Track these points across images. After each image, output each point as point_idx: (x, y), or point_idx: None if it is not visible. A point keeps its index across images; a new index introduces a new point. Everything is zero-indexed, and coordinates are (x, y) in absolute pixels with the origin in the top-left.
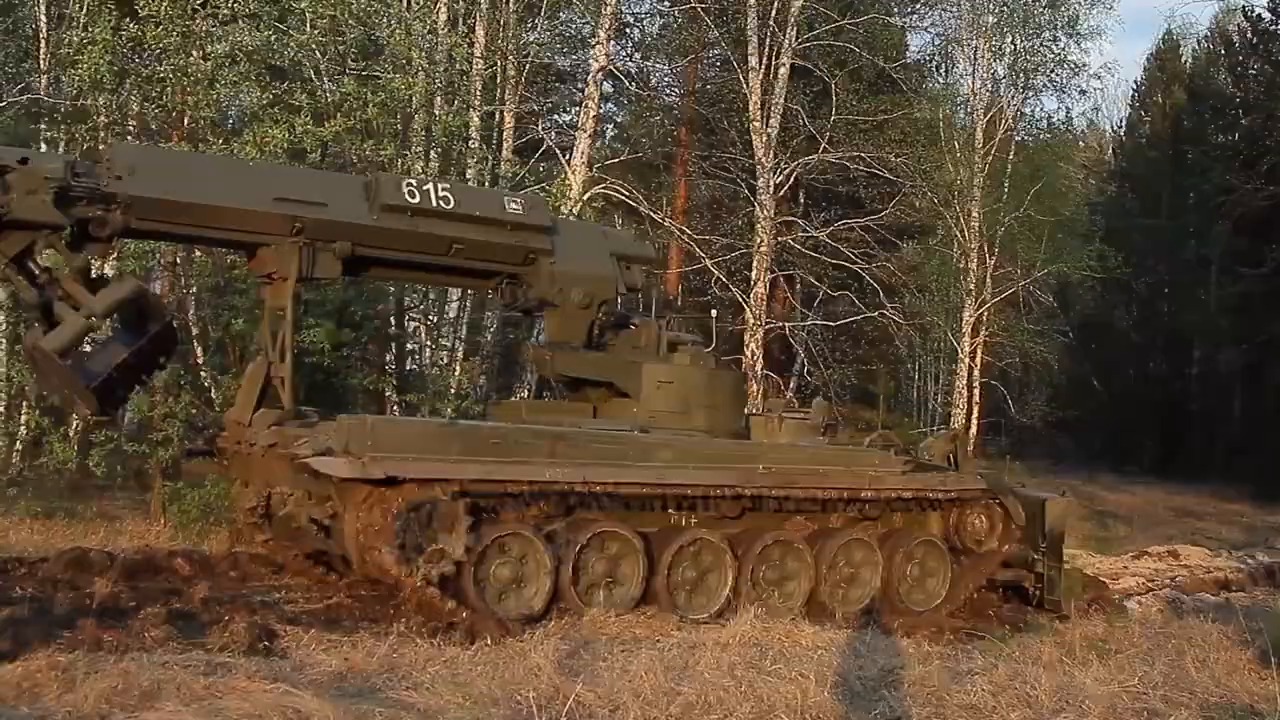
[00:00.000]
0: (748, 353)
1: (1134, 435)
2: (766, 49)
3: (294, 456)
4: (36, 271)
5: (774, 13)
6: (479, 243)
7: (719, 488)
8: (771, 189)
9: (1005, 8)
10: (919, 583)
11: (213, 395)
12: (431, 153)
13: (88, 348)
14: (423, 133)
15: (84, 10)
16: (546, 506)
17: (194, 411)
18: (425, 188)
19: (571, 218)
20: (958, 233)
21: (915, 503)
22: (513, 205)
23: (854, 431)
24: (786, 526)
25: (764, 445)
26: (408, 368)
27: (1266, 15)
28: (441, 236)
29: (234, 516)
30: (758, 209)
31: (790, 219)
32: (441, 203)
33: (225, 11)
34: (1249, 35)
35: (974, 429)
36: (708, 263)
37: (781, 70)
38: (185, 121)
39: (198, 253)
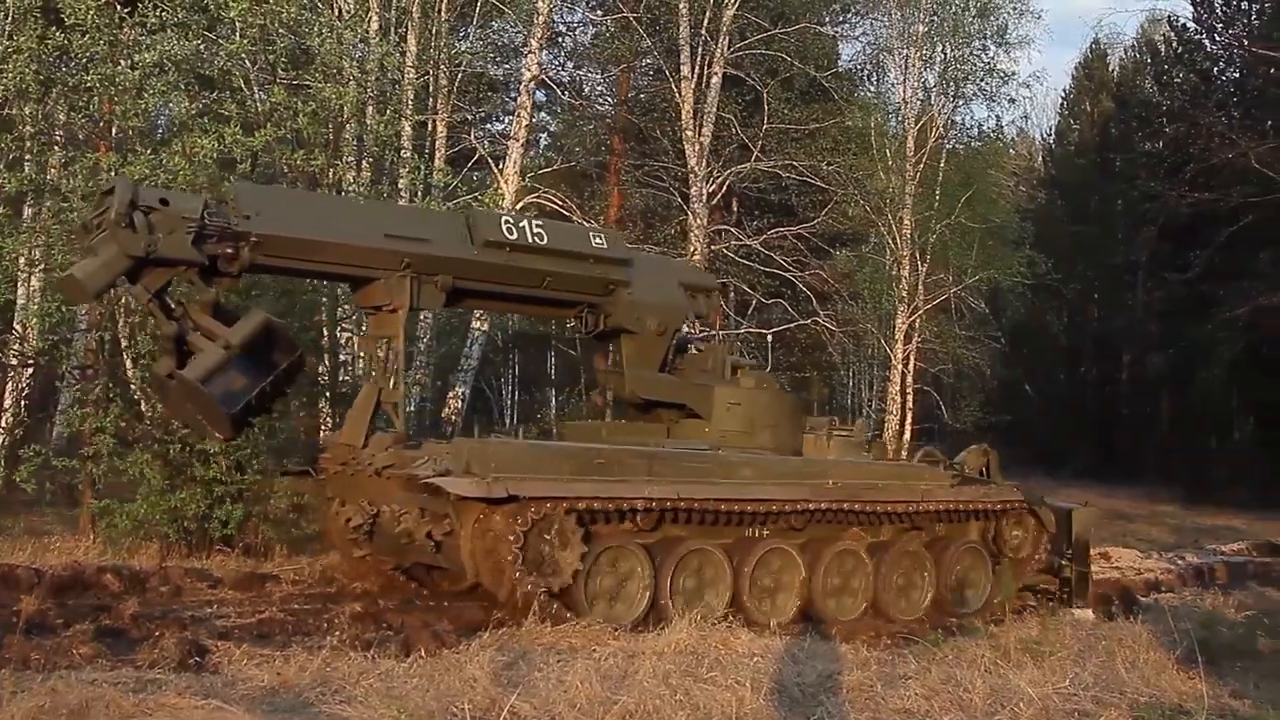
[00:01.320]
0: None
1: (1066, 439)
2: (699, 58)
3: (414, 477)
4: (172, 305)
5: (706, 22)
6: (568, 275)
7: (794, 502)
8: (704, 197)
9: (935, 17)
10: (965, 587)
11: (143, 408)
12: (364, 163)
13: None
14: (354, 142)
15: (8, 18)
16: (642, 522)
17: (122, 424)
18: (521, 224)
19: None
20: (890, 240)
21: (959, 514)
22: (597, 240)
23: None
24: (845, 538)
25: (829, 462)
26: (341, 379)
27: (1191, 25)
28: (536, 270)
29: (325, 531)
30: (691, 217)
31: (723, 227)
32: (536, 238)
33: (153, 20)
34: (1174, 44)
35: (907, 435)
36: None
37: (714, 79)
38: (113, 131)
39: None
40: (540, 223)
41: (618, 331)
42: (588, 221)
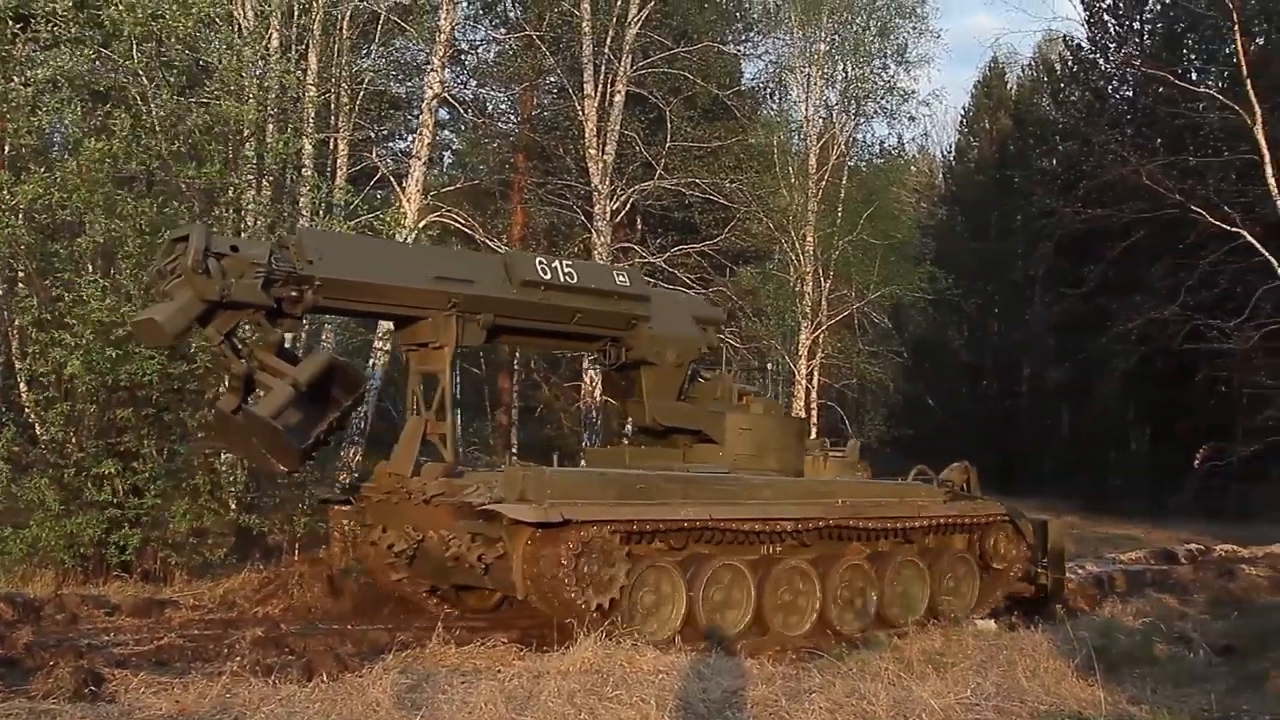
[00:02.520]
0: (587, 379)
1: (969, 452)
2: (602, 76)
3: (469, 504)
4: (239, 346)
5: (609, 40)
6: (595, 311)
7: (810, 520)
8: (608, 215)
9: (836, 36)
10: (955, 595)
11: (37, 431)
12: (264, 181)
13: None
14: (254, 160)
15: None
16: (674, 541)
17: (15, 449)
18: (554, 265)
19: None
20: (793, 257)
21: (948, 527)
22: (620, 278)
23: None
24: (848, 552)
25: (838, 483)
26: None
27: (1086, 44)
28: (567, 307)
29: (361, 556)
30: (594, 235)
31: (627, 245)
32: (567, 277)
33: (46, 36)
34: (1070, 63)
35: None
36: None
37: (617, 97)
38: (5, 149)
39: (20, 286)
40: (570, 263)
41: (638, 363)
42: (490, 240)
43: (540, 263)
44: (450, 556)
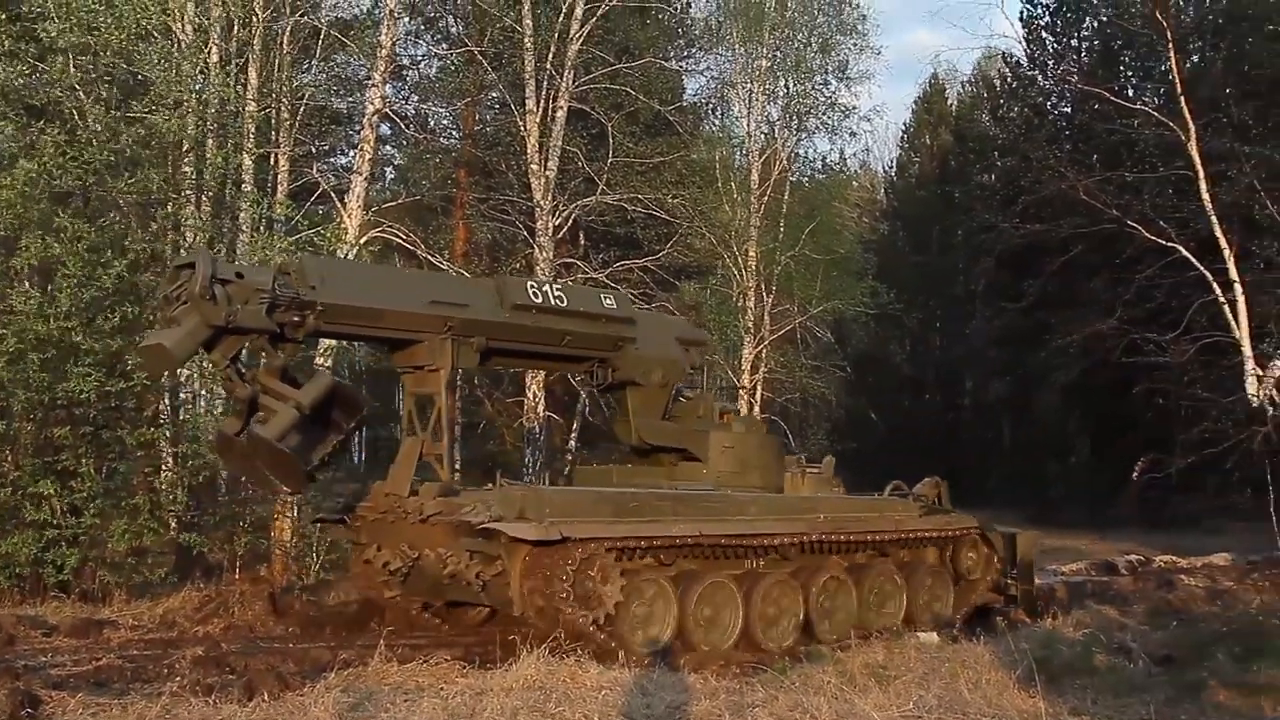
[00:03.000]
0: (529, 394)
1: (911, 465)
2: (544, 92)
3: (467, 523)
4: (243, 371)
5: (551, 56)
6: (584, 334)
7: (794, 535)
8: (550, 231)
9: (778, 52)
10: (930, 604)
11: None
12: (203, 196)
13: None
14: (193, 175)
15: None
16: (664, 557)
17: None
18: (544, 288)
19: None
20: (736, 272)
21: (922, 540)
22: (607, 301)
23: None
24: (828, 566)
25: (819, 499)
26: (181, 418)
27: (1024, 61)
28: (557, 330)
29: (364, 574)
30: (537, 251)
31: (570, 260)
32: (557, 301)
33: None
34: (1009, 80)
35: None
36: None
37: (559, 113)
38: None
39: None
40: (559, 287)
41: (624, 384)
42: (432, 255)
43: (531, 286)
44: (447, 574)
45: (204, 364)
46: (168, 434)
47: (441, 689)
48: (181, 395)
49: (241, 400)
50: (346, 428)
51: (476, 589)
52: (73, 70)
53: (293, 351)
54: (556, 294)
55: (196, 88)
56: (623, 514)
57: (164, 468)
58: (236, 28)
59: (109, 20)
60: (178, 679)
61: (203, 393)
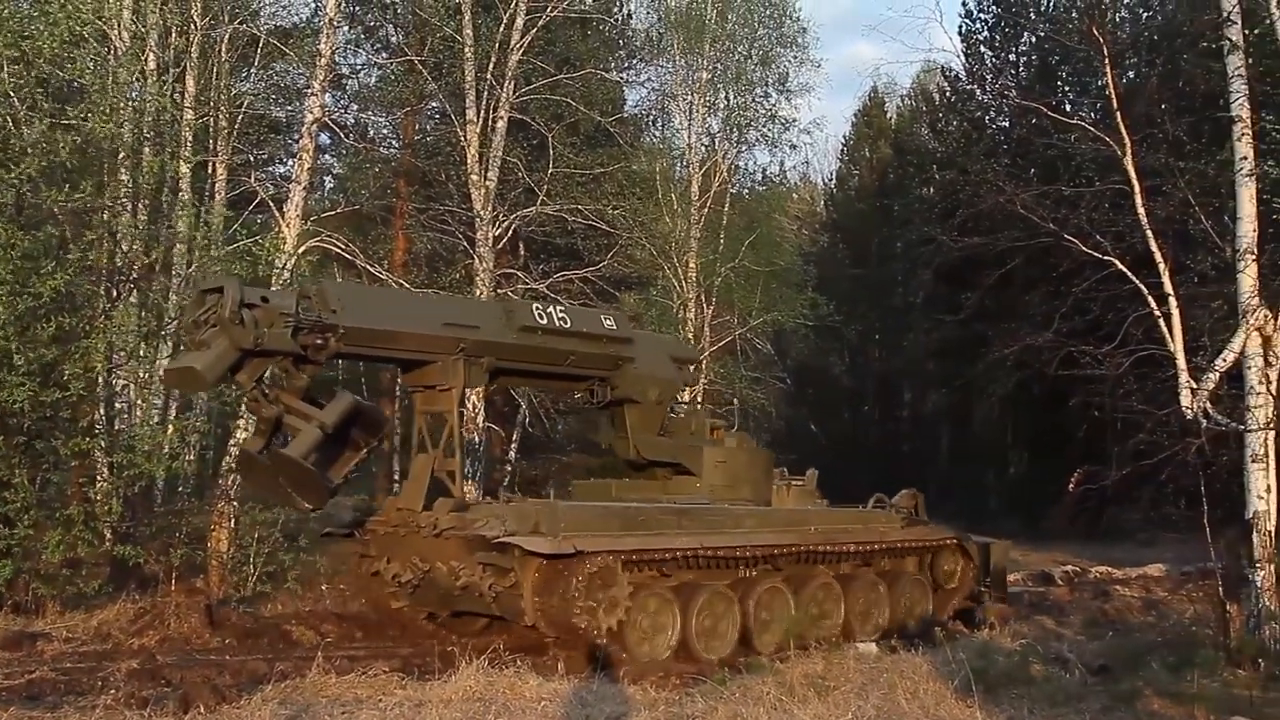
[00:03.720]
0: (469, 405)
1: (850, 476)
2: (484, 102)
3: (482, 537)
4: (267, 392)
5: (491, 66)
6: (586, 354)
7: (788, 546)
8: (490, 241)
9: (719, 64)
10: (911, 611)
11: None
12: (139, 204)
13: None
14: (129, 183)
15: None
16: (666, 569)
17: None
18: (548, 310)
19: (286, 273)
20: (676, 283)
21: (902, 550)
22: (608, 322)
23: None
24: (815, 574)
25: (811, 511)
26: (116, 428)
27: (963, 76)
28: (561, 350)
29: (371, 586)
30: (477, 261)
31: (510, 271)
32: (561, 322)
33: None
34: (947, 94)
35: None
36: None
37: (499, 123)
38: None
39: None
40: (563, 308)
41: (623, 401)
42: (371, 265)
43: (536, 308)
44: (460, 586)
45: (140, 373)
46: (103, 444)
47: (380, 700)
48: (117, 405)
49: (267, 420)
50: (368, 446)
51: (488, 600)
52: (5, 77)
53: (314, 372)
54: (560, 315)
55: (133, 95)
56: (631, 527)
57: (99, 478)
58: (174, 35)
59: (42, 26)
60: (112, 692)
61: (138, 402)
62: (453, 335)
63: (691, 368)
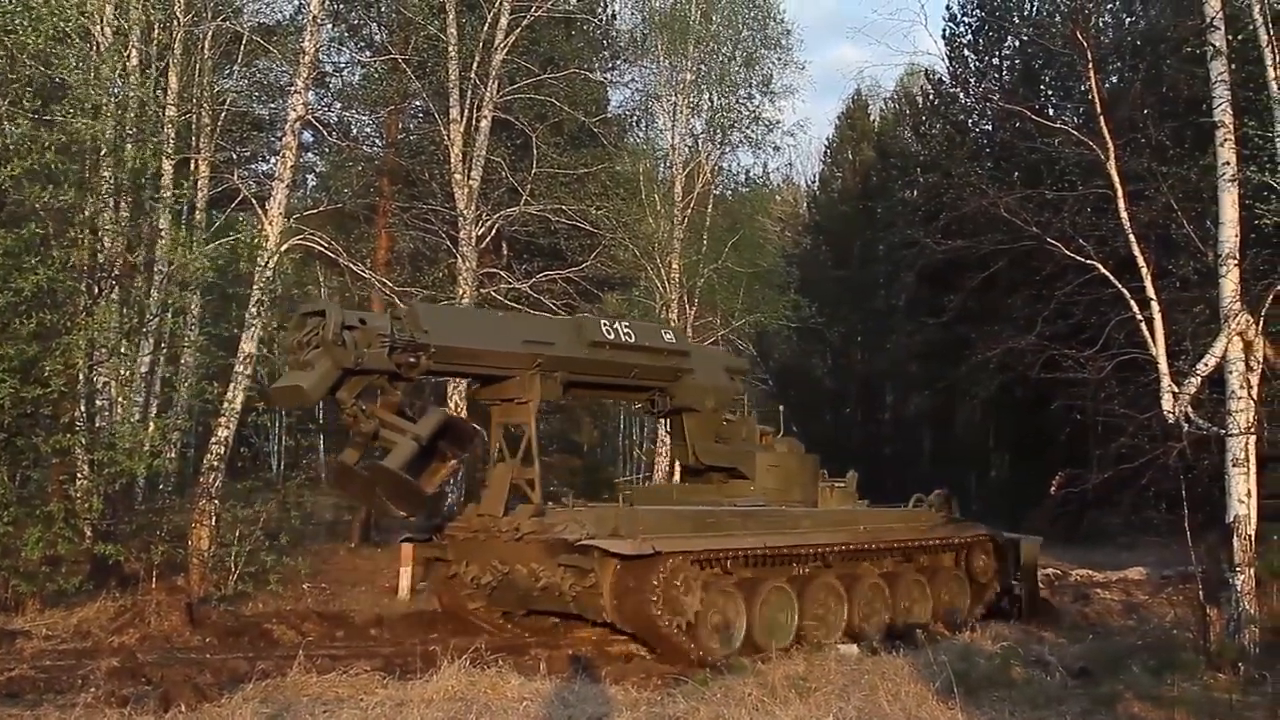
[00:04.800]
0: (451, 404)
1: (832, 477)
2: (468, 101)
3: (562, 540)
4: (364, 408)
5: (475, 65)
6: (649, 366)
7: (840, 545)
8: (473, 241)
9: (703, 66)
10: (950, 604)
11: None
12: (121, 201)
13: None
14: (111, 180)
15: None
16: (730, 566)
17: None
18: (615, 326)
19: (267, 271)
20: (658, 284)
21: (940, 546)
22: (667, 335)
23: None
24: (862, 570)
25: (858, 511)
26: (97, 425)
27: (946, 79)
28: (628, 364)
29: (448, 587)
30: (460, 260)
31: (493, 270)
32: (626, 337)
33: None
34: (931, 97)
35: (677, 477)
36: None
37: (483, 122)
38: None
39: None
40: (627, 324)
41: (681, 410)
42: (354, 264)
43: (604, 324)
44: (540, 587)
45: (121, 370)
46: (83, 441)
47: (361, 700)
48: (98, 402)
49: (365, 434)
50: (457, 457)
51: (567, 599)
52: None
53: (407, 389)
54: (625, 330)
55: (115, 91)
56: (701, 529)
57: (79, 475)
58: (157, 31)
59: (25, 22)
60: (92, 690)
61: (119, 400)
62: (530, 351)
63: (743, 378)
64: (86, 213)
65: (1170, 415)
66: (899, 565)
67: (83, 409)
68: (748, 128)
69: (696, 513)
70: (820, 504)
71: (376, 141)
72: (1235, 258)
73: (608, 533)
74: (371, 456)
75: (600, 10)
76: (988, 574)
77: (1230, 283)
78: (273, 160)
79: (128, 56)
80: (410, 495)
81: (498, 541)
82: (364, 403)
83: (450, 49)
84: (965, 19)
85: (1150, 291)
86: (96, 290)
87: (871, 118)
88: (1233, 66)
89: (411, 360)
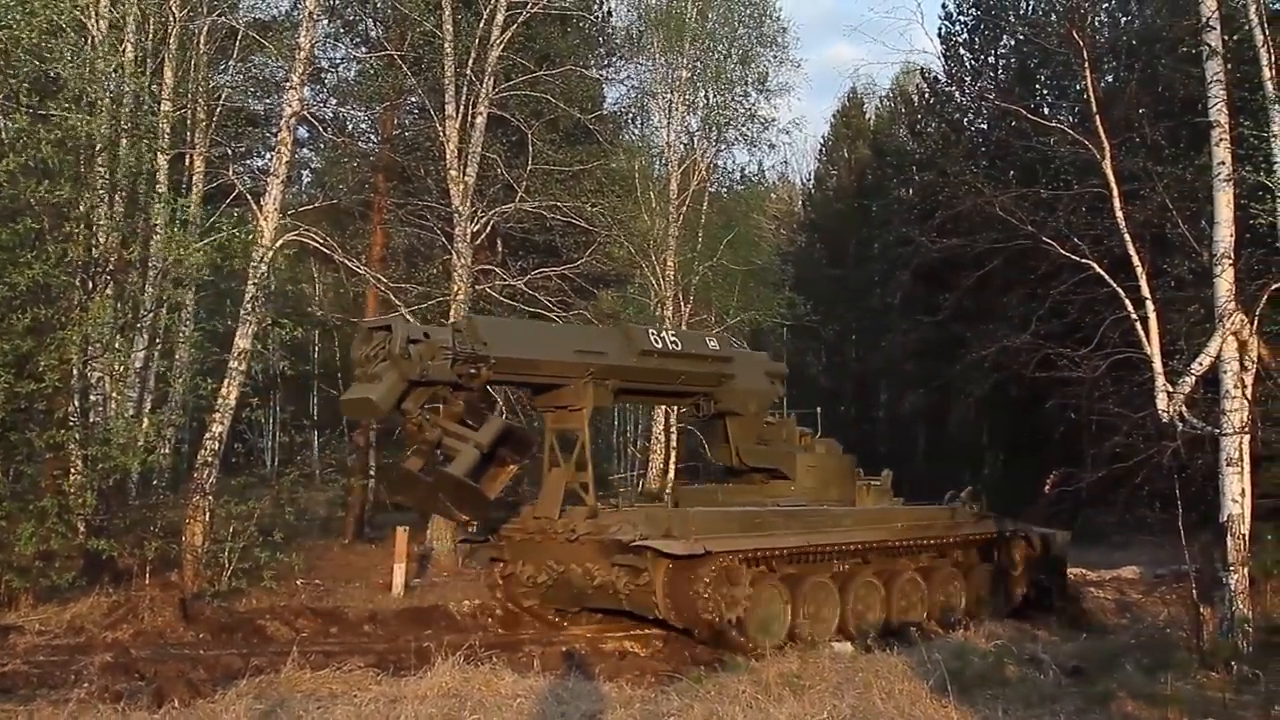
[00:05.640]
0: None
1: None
2: (464, 97)
3: (616, 540)
4: (428, 417)
5: (471, 62)
6: (694, 373)
7: (879, 541)
8: (469, 237)
9: (698, 63)
10: (984, 596)
11: None
12: (116, 197)
13: None
14: (106, 175)
15: None
16: (775, 564)
17: None
18: (662, 334)
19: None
20: (653, 281)
21: (973, 541)
22: (711, 343)
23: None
24: (900, 565)
25: (895, 509)
26: (91, 420)
27: (942, 77)
28: (675, 370)
29: (502, 586)
30: (455, 257)
31: (488, 267)
32: (672, 345)
33: None
34: (926, 96)
35: (672, 474)
36: (404, 311)
37: (479, 119)
38: None
39: None
40: (673, 332)
41: (724, 414)
42: (349, 260)
43: (651, 333)
44: (594, 585)
45: (115, 366)
46: (77, 436)
47: (355, 696)
48: (92, 397)
49: (429, 443)
50: (516, 463)
51: (621, 597)
52: None
53: (468, 398)
54: (672, 339)
55: (110, 86)
56: (748, 529)
57: (73, 470)
58: (152, 25)
59: (20, 16)
60: (86, 685)
61: (113, 395)
62: (583, 361)
63: (781, 381)
64: (82, 208)
65: (1165, 414)
66: (934, 560)
67: (77, 404)
68: (743, 125)
69: (744, 513)
70: (858, 502)
71: (372, 137)
72: (1230, 257)
73: (660, 534)
74: (433, 464)
75: (596, 7)
76: (1019, 568)
77: (1225, 282)
78: (268, 156)
79: (123, 51)
80: (473, 500)
81: (553, 542)
82: (427, 412)
83: (446, 45)
84: (961, 18)
85: (1145, 291)
86: (91, 285)
87: (867, 116)
88: (1228, 66)
89: (473, 371)
